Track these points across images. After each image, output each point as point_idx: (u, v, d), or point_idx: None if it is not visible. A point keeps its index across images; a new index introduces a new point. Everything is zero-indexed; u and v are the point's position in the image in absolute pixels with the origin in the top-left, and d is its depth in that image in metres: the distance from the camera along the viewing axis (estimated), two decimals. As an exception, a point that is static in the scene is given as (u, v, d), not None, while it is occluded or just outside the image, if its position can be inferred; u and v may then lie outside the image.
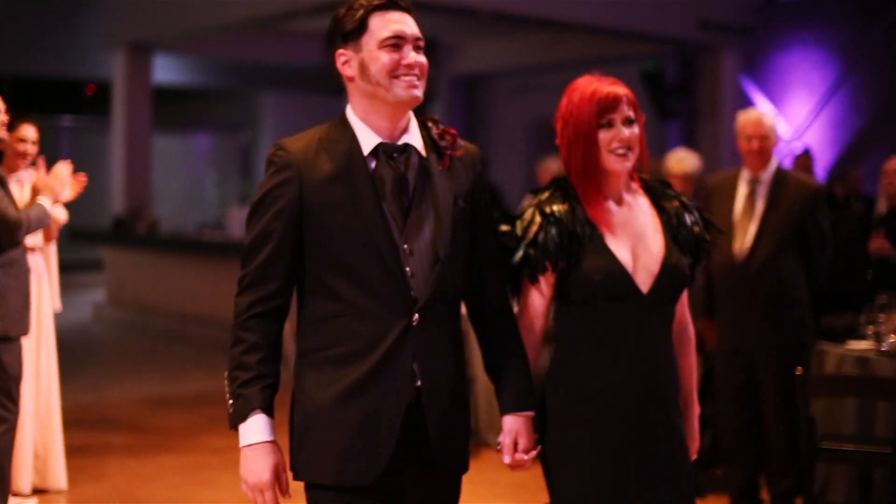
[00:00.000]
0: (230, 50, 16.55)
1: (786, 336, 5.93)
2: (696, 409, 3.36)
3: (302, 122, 16.36)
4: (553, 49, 15.31)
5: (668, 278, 3.12)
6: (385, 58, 2.85)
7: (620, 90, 3.11)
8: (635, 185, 3.24)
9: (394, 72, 2.85)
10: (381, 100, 2.87)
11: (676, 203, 3.24)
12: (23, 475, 6.17)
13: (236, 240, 13.00)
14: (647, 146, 3.22)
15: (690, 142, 13.58)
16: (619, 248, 3.11)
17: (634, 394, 3.09)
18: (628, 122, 3.11)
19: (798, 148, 13.70)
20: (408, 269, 2.84)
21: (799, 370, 5.44)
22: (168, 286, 13.43)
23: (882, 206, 8.22)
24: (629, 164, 3.12)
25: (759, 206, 5.93)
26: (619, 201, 3.19)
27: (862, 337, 6.26)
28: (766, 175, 5.99)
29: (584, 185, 3.15)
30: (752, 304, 5.88)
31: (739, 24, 14.16)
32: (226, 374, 2.88)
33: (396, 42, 2.87)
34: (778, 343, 5.91)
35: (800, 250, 5.97)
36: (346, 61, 2.89)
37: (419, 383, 2.86)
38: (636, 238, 3.14)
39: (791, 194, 5.95)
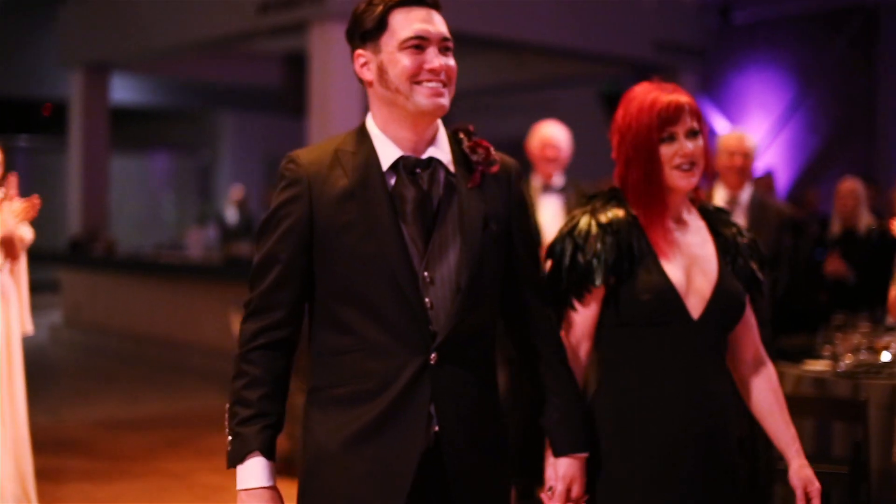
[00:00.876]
0: (188, 70, 16.51)
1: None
2: (798, 446, 3.17)
3: (260, 143, 16.39)
4: (513, 70, 15.38)
5: (722, 304, 2.89)
6: (406, 61, 2.56)
7: (683, 98, 2.91)
8: (692, 206, 3.02)
9: (415, 77, 2.55)
10: (401, 108, 2.58)
11: (734, 230, 3.02)
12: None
13: (194, 261, 12.94)
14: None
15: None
16: (673, 269, 2.87)
17: (683, 428, 2.86)
18: (692, 133, 2.89)
19: (760, 169, 13.81)
20: (427, 300, 2.54)
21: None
22: (125, 308, 13.34)
23: (836, 228, 8.31)
24: (694, 179, 2.90)
25: (741, 227, 5.93)
26: (678, 220, 2.96)
27: (819, 357, 6.29)
28: (745, 196, 6.02)
29: (644, 204, 2.90)
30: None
31: (696, 45, 14.28)
32: (226, 407, 2.60)
33: (419, 43, 2.56)
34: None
35: (769, 272, 6.00)
36: (364, 63, 2.62)
37: (436, 428, 2.55)
38: (691, 260, 2.91)
39: (770, 218, 6.00)
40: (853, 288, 7.90)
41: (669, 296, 2.83)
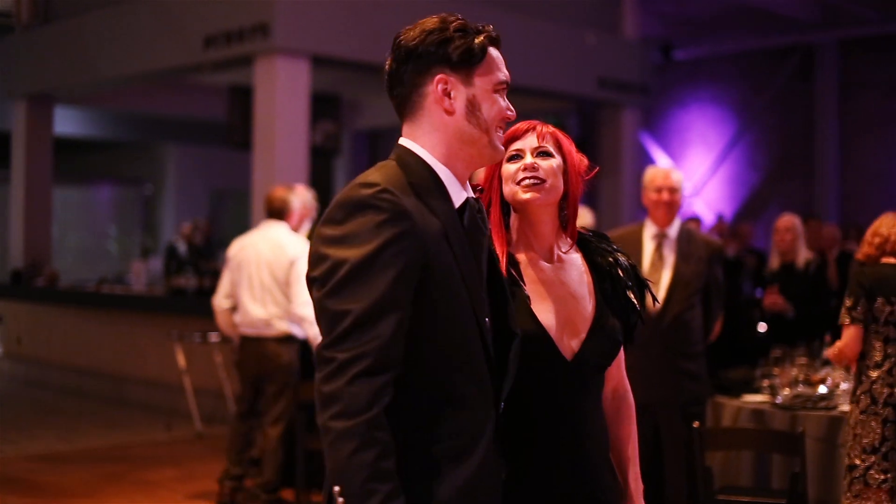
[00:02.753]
0: (132, 102, 16.46)
1: (687, 389, 6.01)
2: (639, 486, 2.98)
3: (205, 176, 16.32)
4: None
5: (597, 344, 2.78)
6: (501, 103, 2.45)
7: (538, 124, 2.81)
8: (568, 240, 2.86)
9: (501, 122, 2.47)
10: (479, 148, 2.45)
11: (610, 259, 2.86)
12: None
13: (137, 293, 12.86)
14: None
15: (591, 197, 13.77)
16: (544, 310, 2.76)
17: (558, 470, 2.72)
18: (541, 153, 2.78)
19: (690, 210, 13.98)
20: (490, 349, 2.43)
21: (695, 424, 5.54)
22: (67, 340, 13.23)
23: (775, 262, 8.42)
24: (540, 196, 2.75)
25: (670, 260, 5.97)
26: (549, 256, 2.83)
27: (757, 390, 6.38)
28: (673, 230, 6.07)
29: (496, 234, 2.77)
30: (662, 358, 5.91)
31: (638, 82, 14.44)
32: (338, 485, 2.23)
33: (505, 88, 2.49)
34: (680, 396, 5.99)
35: (702, 304, 6.08)
36: (447, 90, 2.40)
37: (503, 476, 2.51)
38: (564, 298, 2.78)
39: (699, 250, 6.05)
40: (791, 322, 8.00)
41: (540, 339, 2.72)
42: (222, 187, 19.42)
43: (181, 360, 10.33)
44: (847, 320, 5.18)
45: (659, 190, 6.04)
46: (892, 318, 5.15)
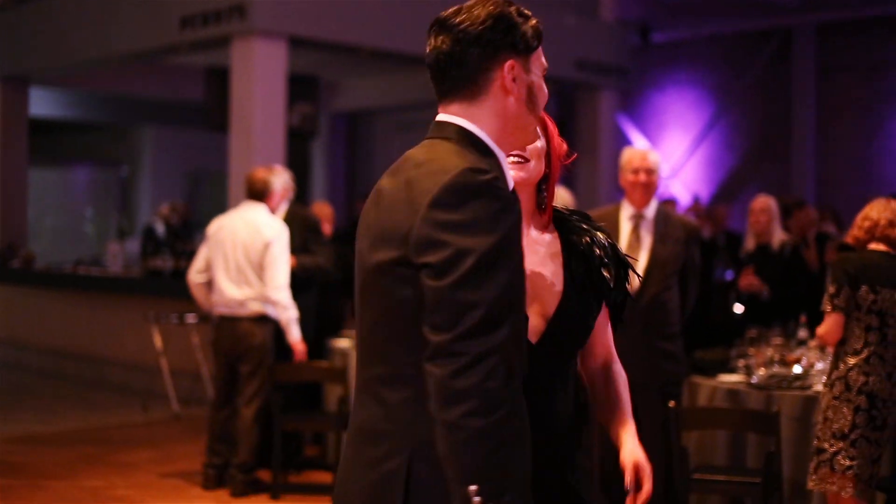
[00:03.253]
0: (109, 84, 16.37)
1: (664, 369, 6.05)
2: (634, 442, 2.86)
3: (182, 157, 16.20)
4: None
5: (562, 328, 2.70)
6: (545, 89, 2.49)
7: None
8: (545, 218, 2.80)
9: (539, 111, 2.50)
10: (526, 134, 2.49)
11: (587, 239, 2.78)
12: None
13: (114, 275, 12.82)
14: None
15: (568, 178, 13.79)
16: None
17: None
18: None
19: (666, 192, 14.03)
20: None
21: (672, 403, 5.58)
22: (43, 322, 13.19)
23: (750, 244, 8.45)
24: (522, 174, 2.70)
25: (647, 240, 6.01)
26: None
27: (733, 370, 6.42)
28: (650, 211, 6.09)
29: None
30: (639, 339, 5.94)
31: (617, 64, 14.45)
32: (475, 485, 2.15)
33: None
34: (658, 377, 6.02)
35: (679, 285, 6.11)
36: (515, 77, 2.40)
37: None
38: (532, 279, 2.65)
39: (676, 231, 6.08)
40: (767, 303, 8.04)
41: None
42: (199, 169, 19.35)
43: (158, 341, 10.31)
44: (829, 307, 5.22)
45: (636, 171, 6.06)
46: (874, 306, 5.18)
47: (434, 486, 2.25)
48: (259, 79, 10.92)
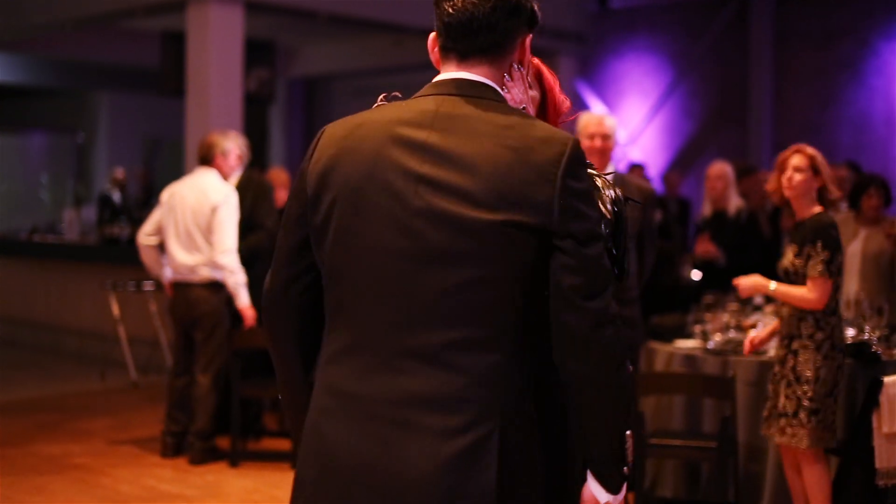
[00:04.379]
0: (64, 49, 16.18)
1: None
2: None
3: (138, 123, 15.97)
4: (392, 52, 15.40)
5: None
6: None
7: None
8: None
9: None
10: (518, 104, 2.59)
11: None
12: None
13: (70, 242, 12.72)
14: None
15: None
16: None
17: None
18: None
19: (633, 157, 14.07)
20: None
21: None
22: (0, 290, 13.09)
23: (707, 210, 8.50)
24: None
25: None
26: None
27: (689, 336, 6.46)
28: (607, 176, 6.11)
29: None
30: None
31: (575, 30, 14.44)
32: (629, 432, 2.39)
33: None
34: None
35: (636, 250, 6.13)
36: (527, 50, 2.55)
37: None
38: None
39: (633, 195, 6.10)
40: (722, 268, 8.09)
41: None
42: (156, 135, 19.20)
43: (115, 309, 10.26)
44: (826, 274, 5.22)
45: (592, 136, 6.07)
46: (841, 266, 5.33)
47: (525, 451, 2.30)
48: (215, 44, 10.83)
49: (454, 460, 2.24)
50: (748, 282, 5.44)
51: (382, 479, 2.27)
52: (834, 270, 5.24)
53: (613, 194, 2.69)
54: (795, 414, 5.24)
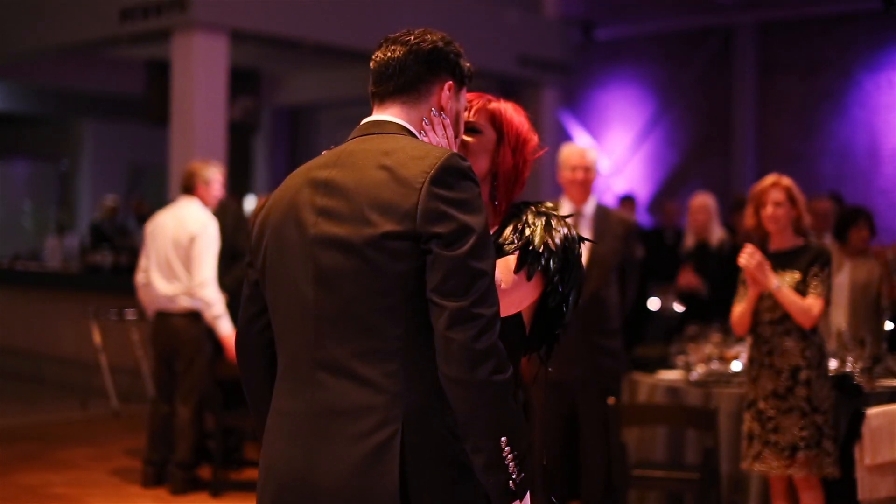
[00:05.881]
0: (48, 76, 16.17)
1: (605, 366, 6.08)
2: None
3: (122, 151, 15.91)
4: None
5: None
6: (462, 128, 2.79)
7: (476, 98, 2.91)
8: (497, 212, 2.84)
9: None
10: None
11: (509, 227, 2.76)
12: None
13: (52, 270, 12.68)
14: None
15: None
16: None
17: None
18: (469, 129, 2.84)
19: (621, 189, 14.09)
20: None
21: (611, 400, 5.61)
22: (-20, 318, 13.02)
23: (689, 241, 8.51)
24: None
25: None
26: None
27: (672, 367, 6.46)
28: (588, 209, 6.13)
29: None
30: (579, 336, 5.97)
31: (559, 60, 14.49)
32: (505, 436, 2.38)
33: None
34: (598, 373, 6.05)
35: (618, 281, 6.14)
36: (448, 97, 2.70)
37: None
38: None
39: (614, 227, 6.12)
40: (706, 300, 8.10)
41: None
42: (140, 163, 19.17)
43: (97, 337, 10.21)
44: (827, 298, 5.36)
45: (573, 168, 6.10)
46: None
47: (427, 452, 2.41)
48: (200, 72, 10.83)
49: (360, 464, 2.40)
50: (757, 261, 5.34)
51: (307, 488, 2.48)
52: (830, 296, 5.41)
53: (566, 232, 2.77)
54: (819, 444, 5.26)
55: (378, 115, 2.67)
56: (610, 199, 13.37)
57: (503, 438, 2.36)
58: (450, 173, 2.43)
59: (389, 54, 2.66)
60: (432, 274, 2.38)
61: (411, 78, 2.65)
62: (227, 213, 7.87)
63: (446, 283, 2.36)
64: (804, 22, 13.64)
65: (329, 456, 2.45)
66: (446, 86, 2.68)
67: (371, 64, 2.69)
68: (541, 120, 14.40)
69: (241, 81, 13.18)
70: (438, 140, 2.67)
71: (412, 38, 2.68)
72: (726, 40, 14.27)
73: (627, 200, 12.47)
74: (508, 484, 2.38)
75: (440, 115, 2.68)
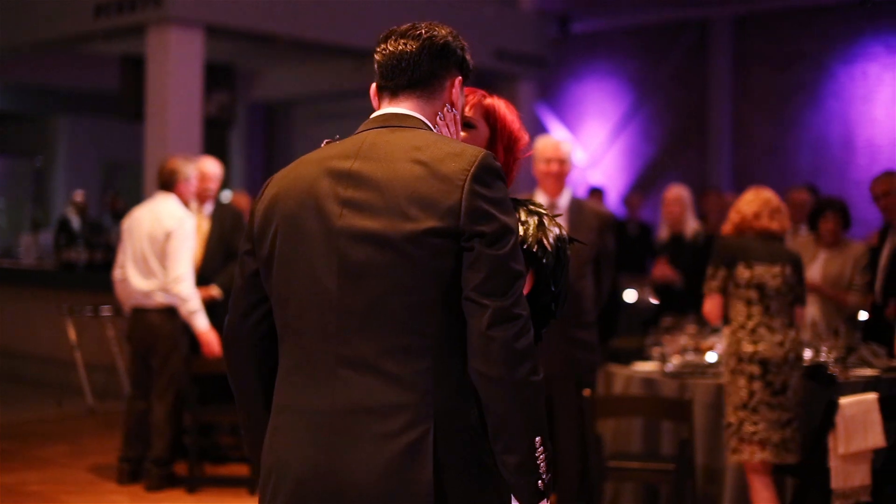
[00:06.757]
0: (22, 72, 16.08)
1: (581, 358, 6.09)
2: None
3: (97, 147, 15.84)
4: (353, 76, 15.37)
5: None
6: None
7: (471, 94, 2.97)
8: None
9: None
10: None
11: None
12: None
13: (27, 267, 12.62)
14: None
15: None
16: None
17: None
18: (465, 124, 2.89)
19: (597, 182, 14.11)
20: None
21: (587, 392, 5.63)
22: (-45, 316, 12.94)
23: (664, 234, 8.52)
24: None
25: (562, 231, 6.05)
26: None
27: (648, 358, 6.47)
28: (563, 201, 6.13)
29: None
30: (555, 328, 5.96)
31: (536, 54, 14.49)
32: (540, 435, 2.39)
33: None
34: (574, 366, 6.06)
35: (594, 274, 6.14)
36: (457, 93, 2.71)
37: None
38: None
39: (589, 220, 6.12)
40: (680, 292, 8.11)
41: None
42: (115, 159, 19.09)
43: (72, 334, 10.16)
44: (706, 289, 5.73)
45: (548, 161, 6.10)
46: (752, 281, 5.57)
47: (455, 452, 2.39)
48: (175, 68, 10.79)
49: (393, 463, 2.36)
50: None
51: (330, 486, 2.41)
52: (715, 286, 5.75)
53: (558, 232, 2.79)
54: (726, 427, 5.64)
55: (394, 108, 2.64)
56: (580, 192, 13.38)
57: (537, 439, 2.37)
58: (488, 172, 2.44)
59: (401, 48, 2.63)
60: (473, 273, 2.37)
61: (426, 73, 2.63)
62: (227, 212, 7.91)
63: (488, 282, 2.36)
64: (779, 14, 13.68)
65: (357, 455, 2.40)
66: (456, 81, 2.69)
67: (377, 56, 2.67)
68: (517, 113, 14.38)
69: (217, 76, 13.13)
70: (450, 135, 2.68)
71: (423, 32, 2.66)
72: (702, 33, 14.31)
73: (596, 193, 12.52)
74: (538, 484, 2.38)
75: (451, 110, 2.69)
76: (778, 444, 5.44)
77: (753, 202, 5.75)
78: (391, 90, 2.65)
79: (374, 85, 2.70)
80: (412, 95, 2.64)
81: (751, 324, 5.56)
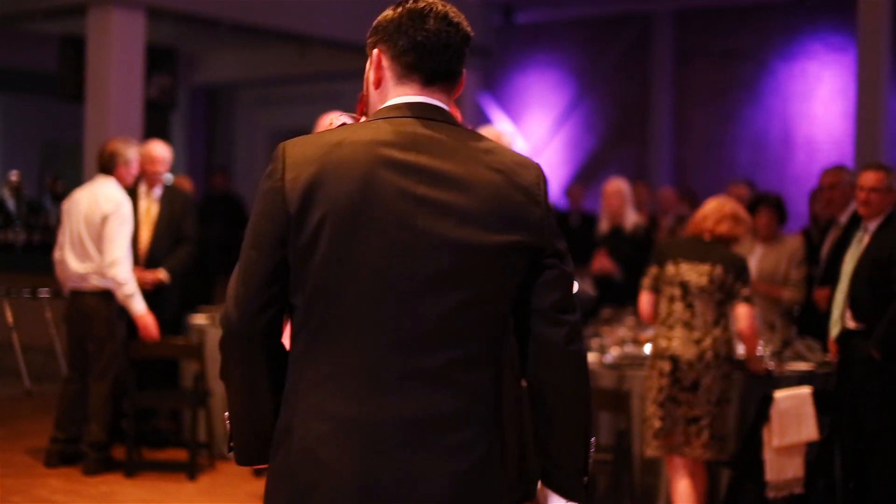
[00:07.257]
0: (-41, 50, 15.86)
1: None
2: None
3: (35, 128, 15.63)
4: (296, 62, 15.32)
5: None
6: None
7: None
8: None
9: None
10: None
11: None
12: None
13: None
14: None
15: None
16: None
17: None
18: None
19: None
20: None
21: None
22: None
23: (604, 226, 8.59)
24: None
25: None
26: None
27: (587, 349, 6.52)
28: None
29: None
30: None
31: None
32: (593, 440, 2.50)
33: None
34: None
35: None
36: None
37: None
38: None
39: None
40: (620, 284, 8.18)
41: None
42: (54, 140, 18.86)
43: (9, 316, 10.06)
44: (641, 286, 5.91)
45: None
46: (676, 278, 5.67)
47: (507, 463, 2.46)
48: (116, 49, 10.69)
49: (467, 475, 2.30)
50: None
51: (396, 499, 2.28)
52: (648, 284, 5.91)
53: None
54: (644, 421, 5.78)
55: (428, 99, 2.43)
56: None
57: (592, 440, 2.47)
58: (548, 185, 2.47)
59: (445, 35, 2.42)
60: (551, 290, 2.39)
61: (460, 67, 2.48)
62: (176, 195, 7.89)
63: (566, 299, 2.40)
64: (720, 10, 13.80)
65: (427, 468, 2.28)
66: (464, 75, 2.53)
67: (416, 34, 2.42)
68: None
69: (158, 59, 13.01)
70: None
71: (460, 20, 2.46)
72: (645, 27, 14.40)
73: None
74: (584, 480, 2.45)
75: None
76: (682, 442, 5.50)
77: (707, 208, 5.84)
78: (425, 75, 2.43)
79: (378, 57, 2.49)
80: (445, 87, 2.47)
81: (670, 320, 5.65)
